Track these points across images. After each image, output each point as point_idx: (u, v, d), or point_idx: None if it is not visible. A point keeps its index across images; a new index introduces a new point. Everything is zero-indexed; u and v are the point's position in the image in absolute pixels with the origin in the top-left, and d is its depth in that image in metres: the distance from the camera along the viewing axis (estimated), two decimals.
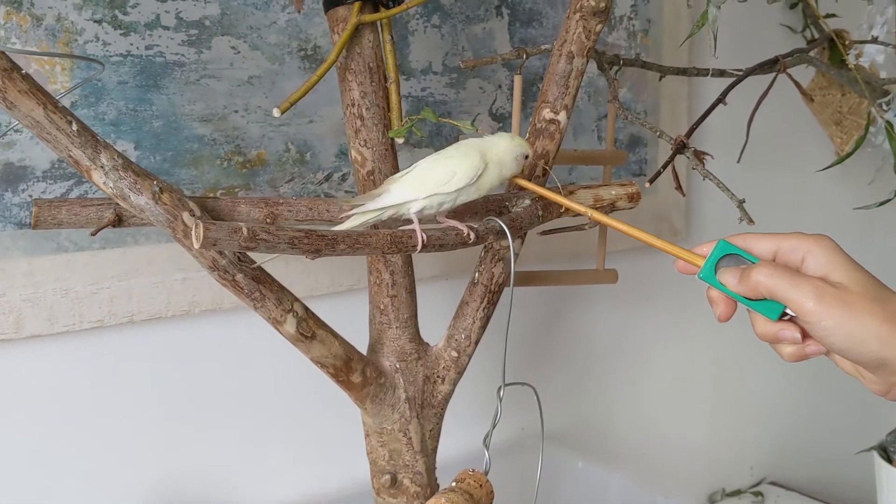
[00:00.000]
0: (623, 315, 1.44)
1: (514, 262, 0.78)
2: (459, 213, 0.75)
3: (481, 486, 0.74)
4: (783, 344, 0.63)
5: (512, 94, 1.13)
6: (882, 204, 1.10)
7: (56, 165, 0.90)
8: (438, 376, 0.86)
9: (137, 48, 0.94)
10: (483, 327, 0.86)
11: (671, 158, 0.88)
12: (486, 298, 0.85)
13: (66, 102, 0.89)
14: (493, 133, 0.77)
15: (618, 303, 1.42)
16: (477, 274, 0.86)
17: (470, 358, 0.87)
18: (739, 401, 1.65)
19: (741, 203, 0.86)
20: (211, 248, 0.60)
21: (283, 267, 1.02)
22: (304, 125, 1.05)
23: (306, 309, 0.77)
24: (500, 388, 0.77)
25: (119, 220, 0.71)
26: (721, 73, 1.01)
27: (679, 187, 0.93)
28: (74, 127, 0.65)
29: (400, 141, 0.81)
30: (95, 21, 0.91)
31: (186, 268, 0.98)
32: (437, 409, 0.87)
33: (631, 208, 0.88)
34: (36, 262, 0.90)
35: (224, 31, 0.99)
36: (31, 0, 0.87)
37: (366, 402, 0.83)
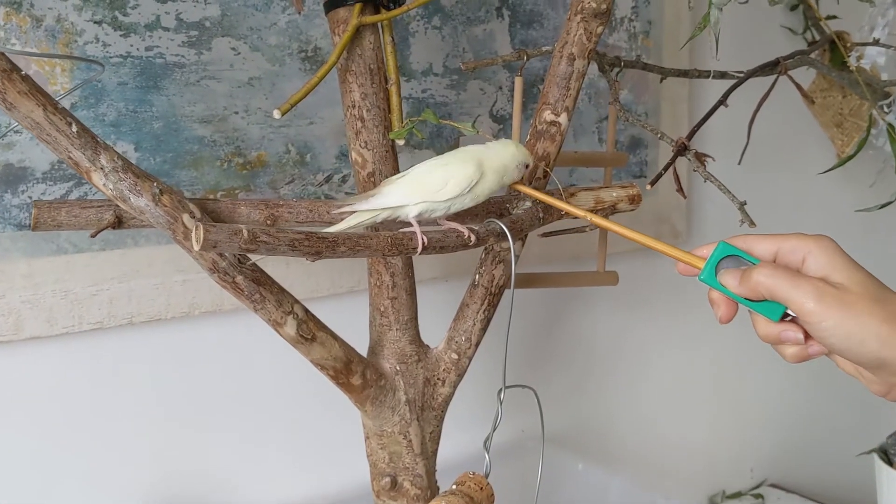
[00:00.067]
0: (623, 317, 1.44)
1: (515, 264, 0.78)
2: (460, 215, 0.75)
3: (482, 488, 0.73)
4: (785, 345, 0.63)
5: (512, 96, 1.13)
6: (883, 206, 1.10)
7: (56, 167, 0.90)
8: (439, 378, 0.86)
9: (137, 49, 0.94)
10: (483, 329, 0.86)
11: (672, 160, 0.87)
12: (486, 300, 0.85)
13: (65, 104, 0.89)
14: (493, 136, 0.77)
15: (618, 305, 1.42)
16: (477, 276, 0.85)
17: (470, 360, 0.87)
18: (740, 403, 1.65)
19: (742, 205, 0.86)
20: (211, 250, 0.60)
21: (284, 268, 1.02)
22: (305, 127, 1.05)
23: (306, 311, 0.77)
24: (500, 391, 0.77)
25: (119, 222, 0.71)
26: (722, 75, 1.01)
27: (680, 189, 0.93)
28: (74, 128, 0.65)
29: (400, 143, 0.80)
30: (95, 22, 0.91)
31: (186, 269, 0.98)
32: (438, 412, 0.87)
33: (632, 210, 0.87)
34: (35, 263, 0.90)
35: (224, 32, 0.99)
36: (30, 1, 0.87)
37: (366, 405, 0.83)
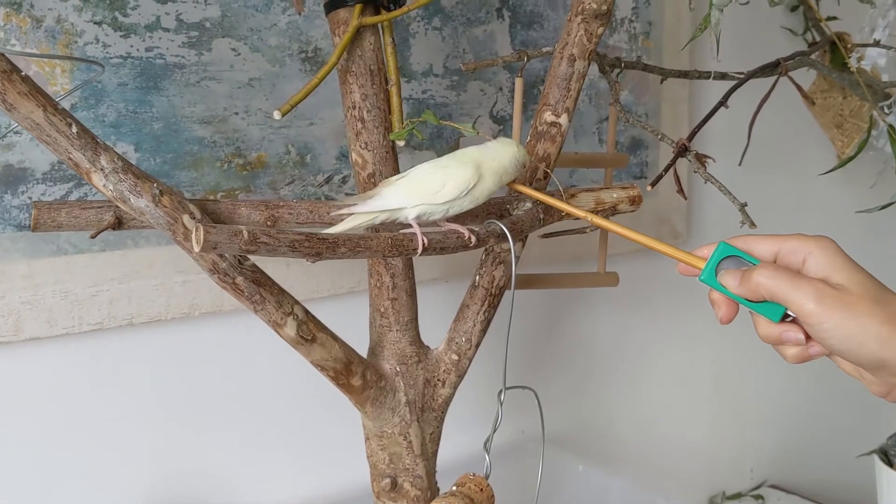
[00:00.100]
0: (624, 318, 1.44)
1: (515, 265, 0.78)
2: (460, 216, 0.75)
3: (482, 490, 0.73)
4: (786, 346, 0.63)
5: (513, 97, 1.13)
6: (884, 207, 1.10)
7: (56, 167, 0.90)
8: (439, 379, 0.86)
9: (137, 50, 0.94)
10: (484, 330, 0.86)
11: (673, 161, 0.87)
12: (486, 301, 0.85)
13: (66, 104, 0.89)
14: (494, 137, 0.77)
15: (618, 306, 1.42)
16: (478, 277, 0.85)
17: (470, 361, 0.87)
18: (740, 403, 1.65)
19: (743, 206, 0.86)
20: (211, 251, 0.60)
21: (284, 269, 1.02)
22: (305, 127, 1.05)
23: (306, 312, 0.77)
24: (500, 392, 0.77)
25: (119, 223, 0.71)
26: (723, 76, 1.01)
27: (681, 190, 0.93)
28: (74, 129, 0.65)
29: (401, 143, 0.80)
30: (95, 23, 0.91)
31: (186, 270, 0.98)
32: (438, 413, 0.87)
33: (632, 211, 0.87)
34: (35, 264, 0.90)
35: (224, 32, 0.99)
36: (30, 2, 0.87)
37: (366, 406, 0.83)
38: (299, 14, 1.03)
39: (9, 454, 0.92)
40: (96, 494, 0.98)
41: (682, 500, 1.45)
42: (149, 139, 0.95)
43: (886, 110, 1.10)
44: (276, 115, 0.73)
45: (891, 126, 1.07)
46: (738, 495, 1.63)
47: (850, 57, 1.18)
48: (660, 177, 0.88)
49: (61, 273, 0.91)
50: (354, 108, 0.81)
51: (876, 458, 1.27)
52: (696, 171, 0.86)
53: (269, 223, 0.74)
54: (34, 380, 0.93)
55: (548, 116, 0.84)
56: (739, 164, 1.00)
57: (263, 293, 0.73)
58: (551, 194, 0.78)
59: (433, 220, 0.73)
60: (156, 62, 0.95)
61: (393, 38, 0.82)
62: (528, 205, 0.81)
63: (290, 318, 0.75)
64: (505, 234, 0.74)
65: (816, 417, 1.73)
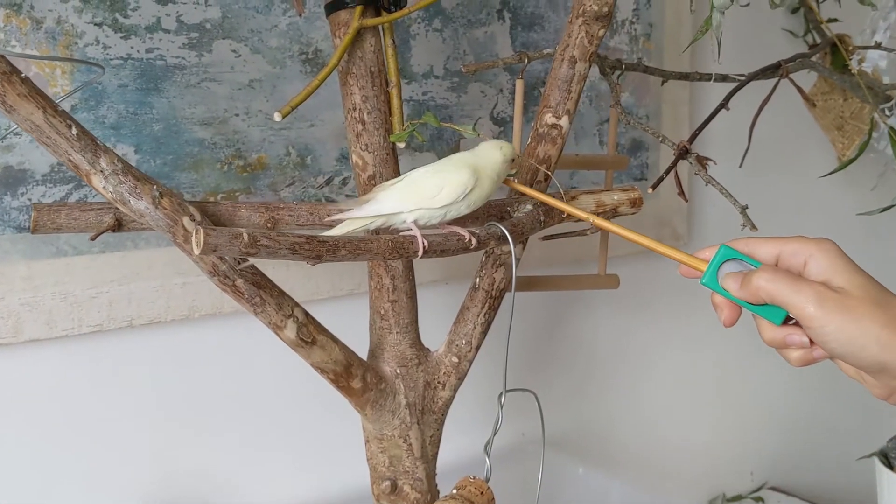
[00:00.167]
0: (624, 320, 1.44)
1: (516, 267, 0.78)
2: (460, 218, 0.75)
3: (482, 493, 0.73)
4: (790, 349, 0.63)
5: (513, 99, 1.13)
6: (885, 210, 1.10)
7: (55, 169, 0.90)
8: (439, 382, 0.86)
9: (138, 51, 0.93)
10: (484, 333, 0.86)
11: (674, 164, 0.87)
12: (487, 303, 0.85)
13: (66, 106, 0.89)
14: (494, 138, 0.76)
15: (619, 308, 1.42)
16: (478, 279, 0.85)
17: (471, 363, 0.87)
18: (740, 406, 1.65)
19: (744, 209, 0.86)
20: (211, 253, 0.59)
21: (284, 271, 1.01)
22: (305, 129, 1.05)
23: (307, 314, 0.76)
24: (501, 394, 0.77)
25: (119, 225, 0.71)
26: (723, 78, 1.01)
27: (681, 193, 0.93)
28: (74, 131, 0.65)
29: (401, 145, 0.80)
30: (96, 24, 0.91)
31: (186, 272, 0.97)
32: (438, 415, 0.87)
33: (633, 213, 0.87)
34: (35, 265, 0.90)
35: (225, 34, 0.98)
36: (31, 3, 0.87)
37: (366, 408, 0.83)
38: (300, 15, 1.03)
39: (9, 455, 0.92)
40: (96, 495, 0.97)
41: (683, 502, 1.44)
42: (149, 141, 0.95)
43: (887, 112, 1.10)
44: (277, 116, 0.72)
45: (892, 128, 1.07)
46: (738, 497, 1.63)
47: (850, 59, 1.17)
48: (661, 179, 0.88)
49: (61, 275, 0.91)
50: (355, 109, 0.81)
51: (876, 460, 1.27)
52: (696, 174, 0.86)
53: (269, 225, 0.74)
54: (34, 381, 0.93)
55: (548, 118, 0.83)
56: (740, 166, 1.00)
57: (263, 295, 0.73)
58: (552, 196, 0.78)
59: (432, 224, 0.72)
60: (156, 63, 0.95)
61: (394, 40, 0.82)
62: (529, 207, 0.81)
63: (290, 320, 0.75)
64: (505, 236, 0.74)
65: (817, 420, 1.73)
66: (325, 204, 0.76)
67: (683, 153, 0.86)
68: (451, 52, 1.16)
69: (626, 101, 1.35)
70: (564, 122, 0.83)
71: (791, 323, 0.62)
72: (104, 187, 0.67)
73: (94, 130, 0.90)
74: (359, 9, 0.78)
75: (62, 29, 0.89)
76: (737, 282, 0.63)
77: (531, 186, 0.82)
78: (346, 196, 1.08)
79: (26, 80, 0.62)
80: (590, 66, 0.83)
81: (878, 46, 1.20)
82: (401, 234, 0.71)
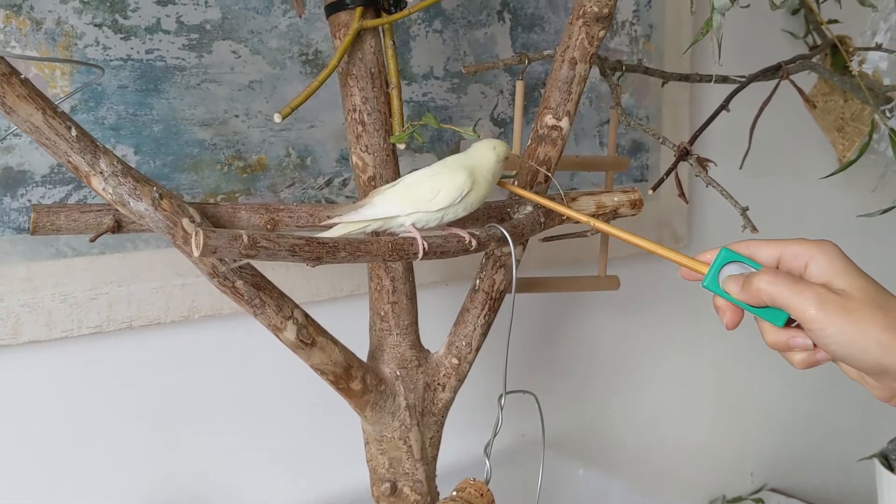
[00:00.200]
0: (624, 322, 1.44)
1: (516, 268, 0.77)
2: (461, 219, 0.75)
3: (482, 495, 0.73)
4: (793, 352, 0.63)
5: (514, 100, 1.13)
6: (885, 211, 1.09)
7: (55, 170, 0.90)
8: (439, 384, 0.86)
9: (138, 52, 0.93)
10: (484, 334, 0.86)
11: (674, 165, 0.87)
12: (487, 305, 0.85)
13: (65, 107, 0.89)
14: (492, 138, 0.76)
15: (619, 309, 1.42)
16: (478, 280, 0.85)
17: (471, 365, 0.86)
18: (740, 407, 1.65)
19: (745, 211, 0.86)
20: (211, 255, 0.59)
21: (284, 272, 1.01)
22: (305, 130, 1.05)
23: (306, 315, 0.76)
24: (501, 396, 0.77)
25: (118, 226, 0.71)
26: (724, 80, 1.01)
27: (682, 194, 0.93)
28: (73, 132, 0.65)
29: (401, 146, 0.80)
30: (96, 25, 0.91)
31: (186, 273, 0.97)
32: (438, 417, 0.87)
33: (634, 215, 0.87)
34: (34, 267, 0.90)
35: (225, 35, 0.98)
36: (30, 4, 0.87)
37: (366, 410, 0.82)
38: (300, 16, 1.03)
39: (9, 456, 0.92)
40: (96, 496, 0.97)
41: (682, 503, 1.44)
42: (149, 142, 0.95)
43: (888, 114, 1.10)
44: (277, 117, 0.72)
45: (892, 129, 1.07)
46: (738, 499, 1.63)
47: (851, 60, 1.17)
48: (661, 180, 0.88)
49: (60, 276, 0.91)
50: (355, 110, 0.81)
51: (876, 462, 1.27)
52: (697, 175, 0.86)
53: (269, 227, 0.73)
54: (33, 382, 0.93)
55: (549, 120, 0.83)
56: (741, 168, 1.00)
57: (263, 297, 0.73)
58: (552, 198, 0.78)
59: (429, 227, 0.72)
60: (156, 64, 0.95)
61: (394, 41, 0.81)
62: (529, 208, 0.81)
63: (289, 321, 0.74)
64: (505, 237, 0.74)
65: (817, 421, 1.73)
66: (325, 205, 0.76)
67: (684, 154, 0.86)
68: (452, 53, 1.16)
69: (626, 103, 1.35)
70: (565, 123, 0.83)
71: (793, 325, 0.62)
72: (104, 189, 0.67)
73: (94, 131, 0.90)
74: (359, 10, 0.78)
75: (62, 30, 0.89)
76: (738, 284, 0.62)
77: (531, 188, 0.82)
78: (347, 197, 1.08)
79: (26, 82, 0.62)
80: (590, 68, 0.83)
81: (878, 48, 1.20)
82: (401, 235, 0.71)
